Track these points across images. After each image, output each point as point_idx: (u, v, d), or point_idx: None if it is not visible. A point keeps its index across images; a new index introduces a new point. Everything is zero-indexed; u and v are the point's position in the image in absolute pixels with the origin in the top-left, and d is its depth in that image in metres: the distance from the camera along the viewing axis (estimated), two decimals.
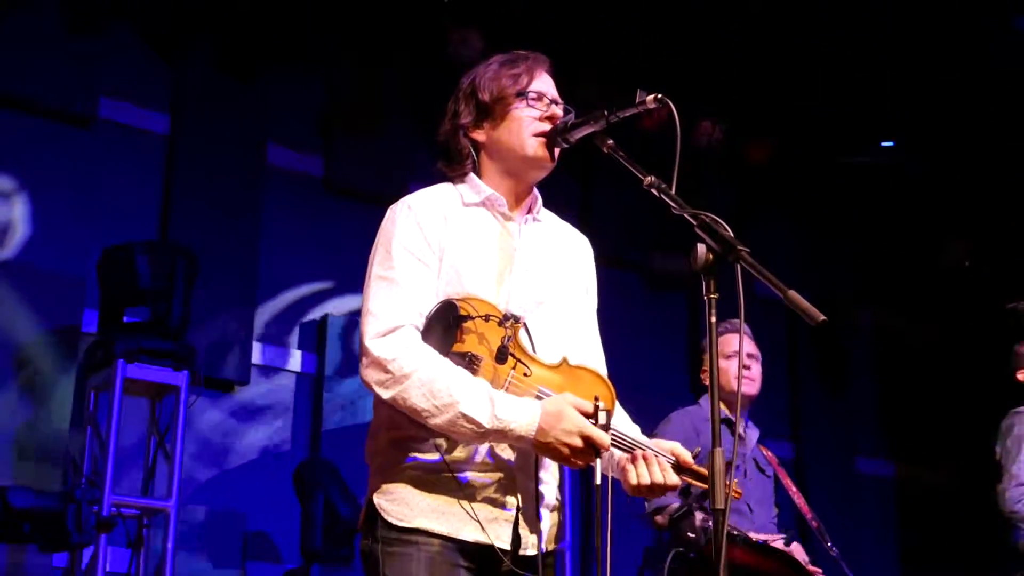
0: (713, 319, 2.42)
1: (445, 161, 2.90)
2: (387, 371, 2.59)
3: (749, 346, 5.14)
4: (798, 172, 8.82)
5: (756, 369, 5.12)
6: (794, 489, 5.07)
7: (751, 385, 5.07)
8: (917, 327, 7.84)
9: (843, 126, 8.44)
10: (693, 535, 4.55)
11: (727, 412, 4.96)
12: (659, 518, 4.81)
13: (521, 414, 2.56)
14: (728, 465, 2.40)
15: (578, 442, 2.53)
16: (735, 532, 4.50)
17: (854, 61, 7.65)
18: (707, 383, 4.89)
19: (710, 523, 3.98)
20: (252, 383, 6.62)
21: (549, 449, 2.56)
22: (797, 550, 4.79)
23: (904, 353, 8.61)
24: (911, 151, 8.59)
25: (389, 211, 2.81)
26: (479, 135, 2.86)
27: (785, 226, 9.17)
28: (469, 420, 2.54)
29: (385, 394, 2.61)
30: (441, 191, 2.86)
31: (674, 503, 4.75)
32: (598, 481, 2.55)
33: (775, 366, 8.76)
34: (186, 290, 5.84)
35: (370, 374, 2.63)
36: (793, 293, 2.34)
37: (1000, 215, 8.76)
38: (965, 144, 8.33)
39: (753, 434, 5.12)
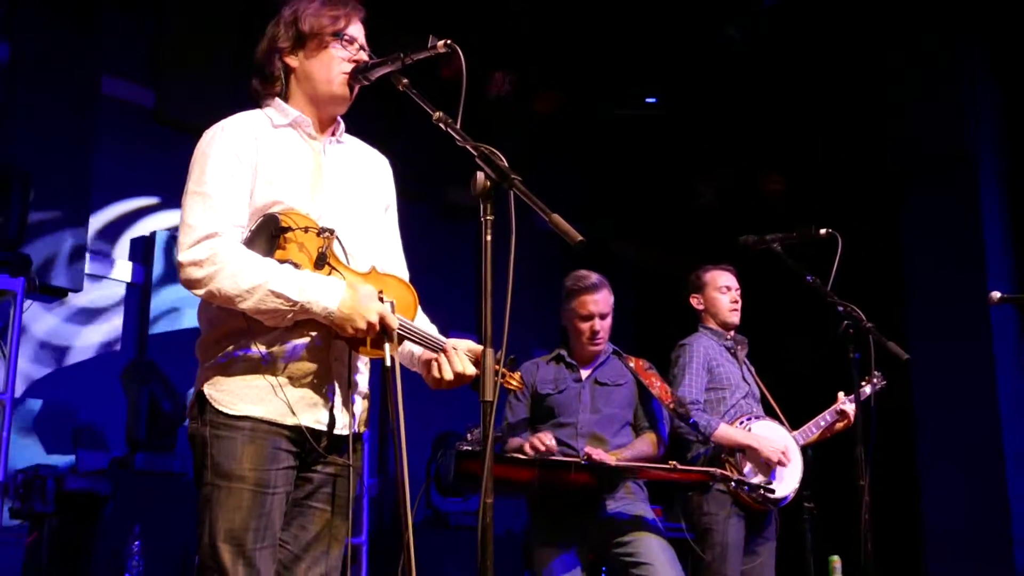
0: (488, 238, 2.58)
1: (260, 80, 3.03)
2: (202, 268, 2.69)
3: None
4: (579, 122, 9.50)
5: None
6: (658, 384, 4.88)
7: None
8: (670, 257, 8.80)
9: (616, 83, 9.13)
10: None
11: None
12: None
13: (327, 288, 2.74)
14: (499, 362, 2.61)
15: (375, 319, 2.73)
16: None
17: (629, 25, 8.31)
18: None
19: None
20: (85, 291, 6.82)
21: (348, 322, 2.72)
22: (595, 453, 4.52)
23: (657, 277, 9.57)
24: (671, 107, 9.36)
25: (204, 134, 2.92)
26: (292, 61, 3.00)
27: (566, 169, 9.88)
28: (278, 295, 2.68)
29: (201, 291, 2.71)
30: (251, 115, 2.98)
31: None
32: (388, 362, 2.75)
33: (550, 288, 9.76)
34: (22, 206, 6.11)
35: (189, 273, 2.71)
36: (556, 216, 2.50)
37: (746, 164, 9.66)
38: (717, 102, 9.13)
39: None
